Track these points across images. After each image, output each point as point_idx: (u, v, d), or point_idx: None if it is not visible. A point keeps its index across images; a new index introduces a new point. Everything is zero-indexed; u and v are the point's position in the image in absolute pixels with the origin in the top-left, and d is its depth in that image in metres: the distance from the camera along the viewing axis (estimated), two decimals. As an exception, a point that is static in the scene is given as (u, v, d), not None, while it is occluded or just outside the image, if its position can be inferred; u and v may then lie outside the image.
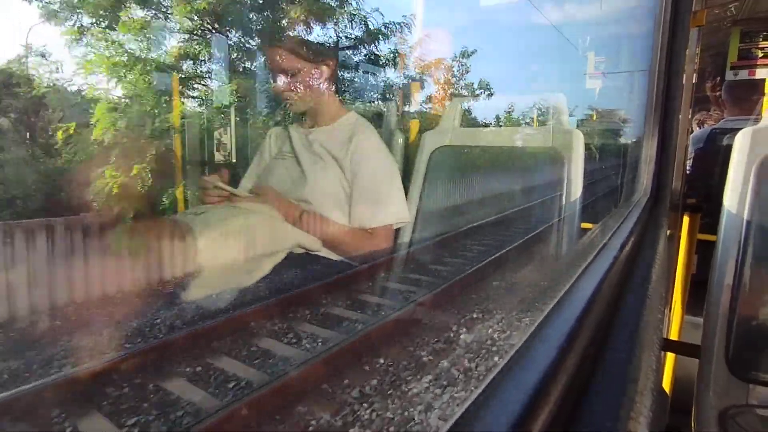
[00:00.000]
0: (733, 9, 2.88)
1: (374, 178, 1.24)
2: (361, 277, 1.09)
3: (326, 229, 1.18)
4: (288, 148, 1.32)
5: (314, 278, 1.03)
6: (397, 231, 1.35)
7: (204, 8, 3.87)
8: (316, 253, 1.16)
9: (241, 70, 4.35)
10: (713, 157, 1.88)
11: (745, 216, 0.93)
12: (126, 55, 3.67)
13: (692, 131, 2.38)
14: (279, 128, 1.44)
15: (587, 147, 1.41)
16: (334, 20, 4.63)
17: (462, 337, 0.75)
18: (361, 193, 1.22)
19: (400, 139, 1.58)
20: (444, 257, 1.32)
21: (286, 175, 1.28)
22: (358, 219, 1.22)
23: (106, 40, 3.69)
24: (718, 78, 2.45)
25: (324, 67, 1.27)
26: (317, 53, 1.26)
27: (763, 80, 2.60)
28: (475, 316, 0.83)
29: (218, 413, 0.50)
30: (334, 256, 1.21)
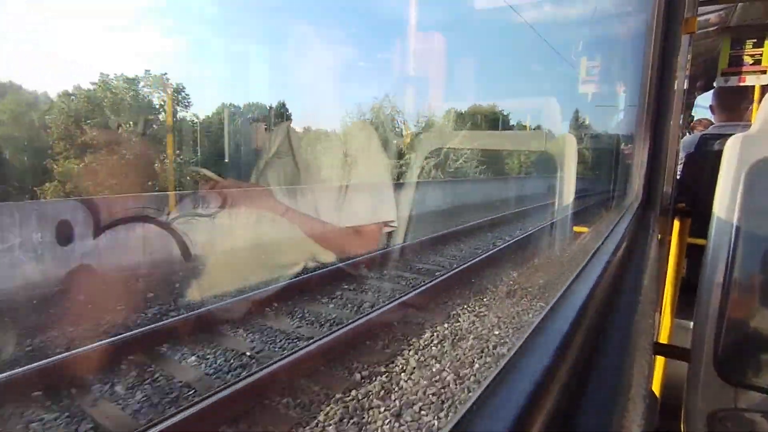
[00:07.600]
0: (723, 15, 2.91)
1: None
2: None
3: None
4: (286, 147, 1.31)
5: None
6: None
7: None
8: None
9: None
10: (703, 163, 1.90)
11: (735, 221, 0.94)
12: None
13: (683, 136, 2.41)
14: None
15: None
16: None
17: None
18: None
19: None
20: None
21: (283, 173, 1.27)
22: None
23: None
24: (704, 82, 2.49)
25: None
26: None
27: (753, 87, 2.64)
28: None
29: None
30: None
